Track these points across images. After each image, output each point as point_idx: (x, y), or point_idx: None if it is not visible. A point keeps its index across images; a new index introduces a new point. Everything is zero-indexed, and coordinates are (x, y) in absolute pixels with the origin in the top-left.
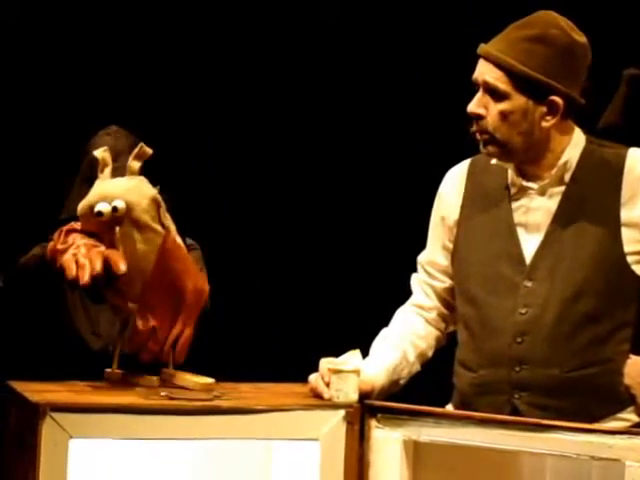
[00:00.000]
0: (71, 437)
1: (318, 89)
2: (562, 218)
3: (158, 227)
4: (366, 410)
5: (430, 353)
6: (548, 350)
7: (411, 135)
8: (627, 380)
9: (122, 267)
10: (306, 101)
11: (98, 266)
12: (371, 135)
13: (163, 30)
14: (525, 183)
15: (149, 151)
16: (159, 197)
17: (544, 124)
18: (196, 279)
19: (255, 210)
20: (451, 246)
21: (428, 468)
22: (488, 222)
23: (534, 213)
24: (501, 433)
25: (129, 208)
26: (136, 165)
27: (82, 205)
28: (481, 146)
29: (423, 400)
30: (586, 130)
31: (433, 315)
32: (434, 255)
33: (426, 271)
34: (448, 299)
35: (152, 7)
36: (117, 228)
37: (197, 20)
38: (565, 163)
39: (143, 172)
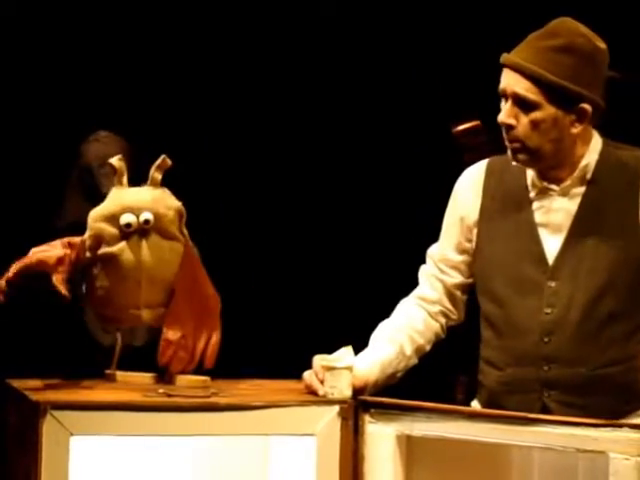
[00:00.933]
0: (72, 435)
1: (315, 86)
2: (583, 219)
3: (181, 237)
4: (360, 405)
5: (428, 347)
6: (575, 349)
7: (409, 132)
8: None
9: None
10: (302, 97)
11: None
12: (369, 131)
13: (160, 31)
14: (546, 185)
15: (169, 162)
16: (182, 208)
17: (573, 130)
18: (211, 284)
19: (251, 209)
20: (468, 245)
21: (421, 462)
22: (509, 223)
23: (555, 214)
24: (490, 427)
25: (157, 219)
26: (158, 176)
27: (101, 213)
28: (510, 154)
29: (423, 395)
30: (603, 133)
31: (435, 309)
32: (447, 252)
33: (437, 266)
34: (456, 294)
35: (150, 8)
36: (142, 239)
37: (195, 19)
38: (586, 165)
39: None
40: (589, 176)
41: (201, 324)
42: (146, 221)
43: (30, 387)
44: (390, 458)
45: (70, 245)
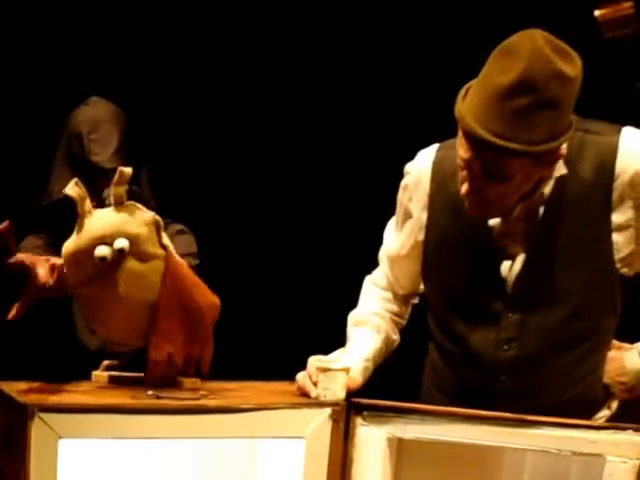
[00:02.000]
0: (60, 438)
1: (315, 85)
2: (544, 237)
3: (160, 251)
4: (352, 408)
5: (405, 322)
6: (534, 384)
7: (400, 131)
8: (606, 379)
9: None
10: (295, 95)
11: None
12: (362, 131)
13: (161, 25)
14: None
15: (129, 172)
16: (157, 218)
17: (544, 173)
18: (206, 293)
19: (248, 209)
20: (416, 253)
21: (411, 464)
22: (461, 244)
23: (513, 234)
24: (484, 429)
25: (132, 243)
26: (121, 190)
27: (73, 250)
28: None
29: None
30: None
31: (402, 292)
32: (399, 255)
33: (391, 265)
34: (409, 297)
35: (150, 2)
36: (118, 271)
37: (195, 17)
38: (546, 189)
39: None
40: (549, 197)
41: (192, 337)
42: (121, 250)
43: (17, 389)
44: (379, 461)
45: (52, 268)
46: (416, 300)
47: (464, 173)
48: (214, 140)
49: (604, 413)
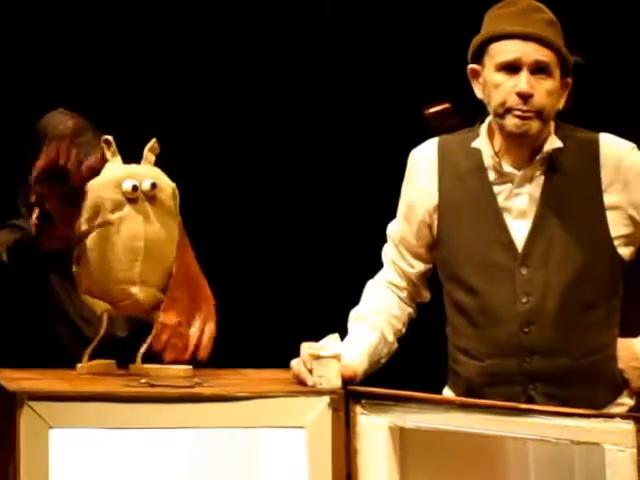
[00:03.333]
0: (51, 427)
1: (314, 85)
2: (547, 205)
3: (178, 218)
4: (350, 396)
5: (404, 329)
6: (555, 339)
7: (399, 129)
8: (620, 364)
9: None
10: (294, 94)
11: None
12: (351, 127)
13: (163, 27)
14: (508, 168)
15: (158, 147)
16: (177, 190)
17: (559, 106)
18: (205, 285)
19: (239, 197)
20: (426, 232)
21: (415, 454)
22: (472, 207)
23: (518, 199)
24: (483, 417)
25: (160, 189)
26: (152, 157)
27: (100, 182)
28: (517, 121)
29: (416, 386)
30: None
31: (404, 294)
32: (406, 235)
33: (398, 250)
34: (418, 284)
35: (151, 3)
36: (148, 206)
37: (194, 17)
38: (548, 150)
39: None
40: (550, 160)
41: (196, 312)
42: (153, 185)
43: (7, 377)
44: (384, 451)
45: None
46: (422, 299)
47: (509, 84)
48: (207, 133)
49: (625, 400)
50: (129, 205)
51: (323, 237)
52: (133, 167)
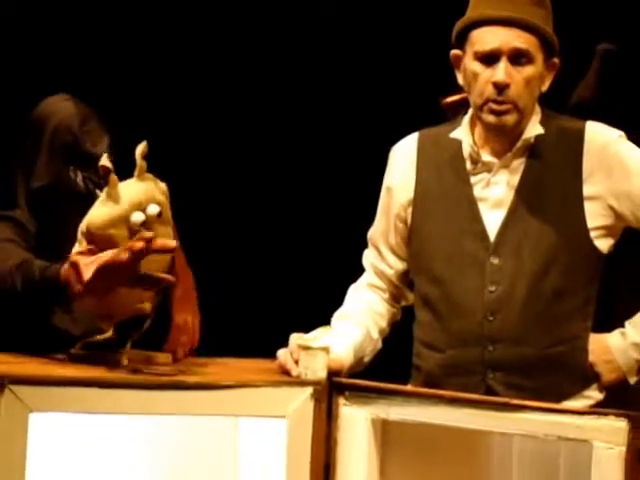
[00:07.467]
0: (31, 411)
1: (313, 84)
2: (524, 193)
3: (171, 220)
4: (334, 388)
5: (388, 329)
6: (520, 328)
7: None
8: (592, 357)
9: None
10: (293, 93)
11: None
12: (337, 120)
13: (159, 25)
14: (486, 157)
15: (146, 146)
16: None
17: (543, 88)
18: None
19: (228, 185)
20: (402, 225)
21: (396, 446)
22: (447, 197)
23: (495, 188)
24: (470, 412)
25: (163, 208)
26: (144, 164)
27: (109, 219)
28: (492, 118)
29: (385, 378)
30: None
31: (387, 295)
32: (384, 229)
33: (377, 250)
34: (398, 285)
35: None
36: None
37: (193, 16)
38: (529, 137)
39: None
40: (531, 148)
41: (189, 305)
42: (159, 214)
43: None
44: (364, 443)
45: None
46: (406, 301)
47: (487, 74)
48: (201, 129)
49: (593, 393)
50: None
51: (318, 226)
52: (133, 194)
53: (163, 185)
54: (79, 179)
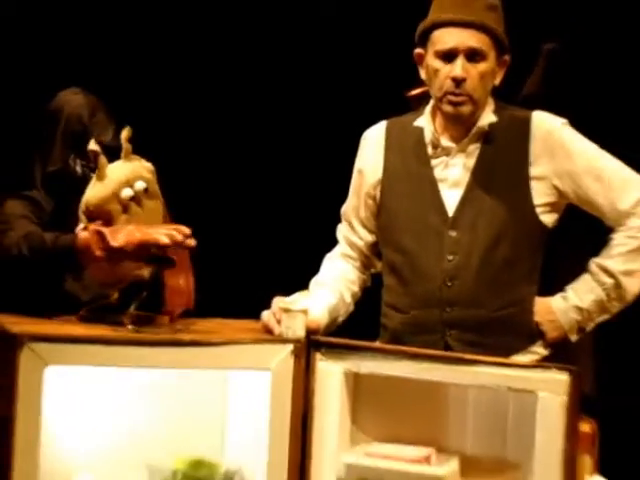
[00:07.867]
0: (46, 365)
1: (313, 84)
2: (479, 175)
3: (159, 192)
4: (311, 345)
5: (360, 293)
6: (475, 292)
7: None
8: (537, 317)
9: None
10: (292, 93)
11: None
12: (317, 108)
13: (158, 24)
14: (445, 143)
15: (130, 130)
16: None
17: (495, 82)
18: None
19: (214, 154)
20: (372, 202)
21: (366, 397)
22: (412, 179)
23: (453, 169)
24: (430, 366)
25: (148, 184)
26: (129, 146)
27: (104, 196)
28: (450, 108)
29: (356, 336)
30: (503, 98)
31: (358, 263)
32: (356, 206)
33: (349, 225)
34: (368, 254)
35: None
36: (138, 207)
37: (193, 16)
38: (483, 125)
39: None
40: (485, 134)
41: (183, 269)
42: (145, 189)
43: (8, 321)
44: (338, 393)
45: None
46: (375, 269)
47: (446, 70)
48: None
49: (538, 349)
50: (126, 212)
51: (298, 203)
52: (121, 172)
53: (149, 164)
54: (78, 167)
